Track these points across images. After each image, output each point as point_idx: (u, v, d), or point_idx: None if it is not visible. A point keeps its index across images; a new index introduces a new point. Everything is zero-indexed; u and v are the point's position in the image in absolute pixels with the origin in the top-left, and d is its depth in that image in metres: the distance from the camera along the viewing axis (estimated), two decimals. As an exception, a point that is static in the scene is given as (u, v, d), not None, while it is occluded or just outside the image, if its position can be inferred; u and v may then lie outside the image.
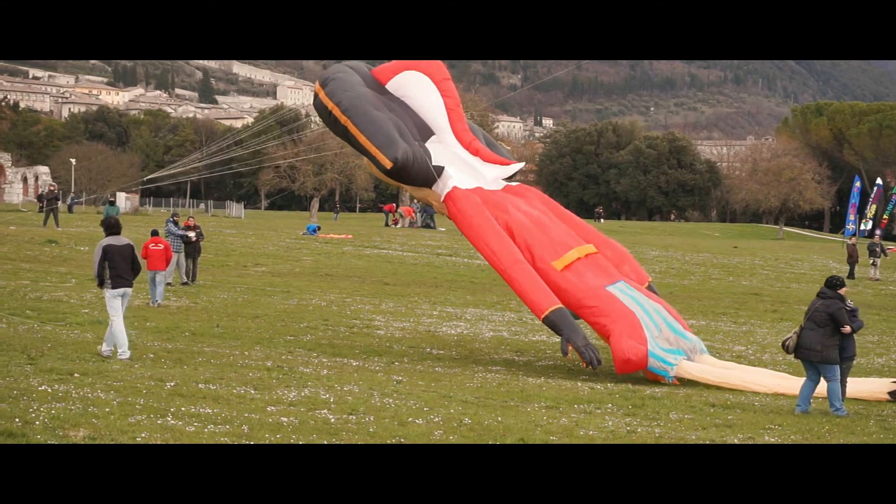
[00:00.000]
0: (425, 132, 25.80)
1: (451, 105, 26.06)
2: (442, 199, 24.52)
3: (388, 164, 23.71)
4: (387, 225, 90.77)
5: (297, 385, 18.38)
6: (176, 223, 35.56)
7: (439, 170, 24.62)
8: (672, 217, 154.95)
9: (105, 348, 20.69)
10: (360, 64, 26.81)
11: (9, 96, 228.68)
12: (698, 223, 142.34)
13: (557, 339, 27.73)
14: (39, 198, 75.68)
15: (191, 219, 37.09)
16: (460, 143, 25.77)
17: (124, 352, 20.51)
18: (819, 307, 18.94)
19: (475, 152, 25.69)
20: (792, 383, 21.79)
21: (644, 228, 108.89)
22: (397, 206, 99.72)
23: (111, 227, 21.21)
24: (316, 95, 25.51)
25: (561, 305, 22.38)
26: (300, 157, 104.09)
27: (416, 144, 24.75)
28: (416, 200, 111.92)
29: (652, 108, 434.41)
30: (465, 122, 26.28)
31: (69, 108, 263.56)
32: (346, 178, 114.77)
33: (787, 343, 19.32)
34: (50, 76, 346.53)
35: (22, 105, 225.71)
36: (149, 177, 42.53)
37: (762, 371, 23.23)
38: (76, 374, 17.87)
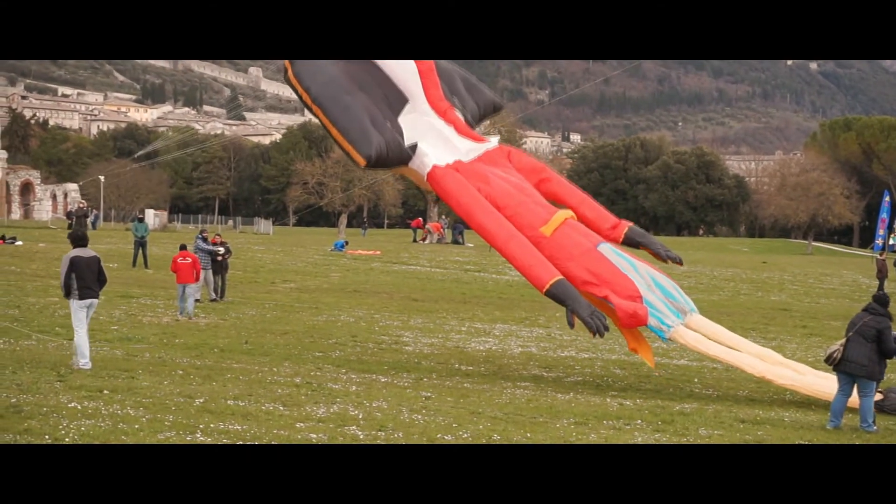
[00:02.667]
0: (398, 101, 25.16)
1: (425, 70, 25.25)
2: (424, 178, 24.24)
3: (362, 163, 23.37)
4: (415, 241, 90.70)
5: (326, 401, 18.37)
6: (205, 239, 35.64)
7: (413, 147, 24.26)
8: (700, 232, 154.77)
9: (82, 361, 20.82)
10: None
11: (38, 114, 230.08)
12: (727, 238, 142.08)
13: (586, 354, 27.80)
14: (68, 215, 75.94)
15: (217, 236, 37.15)
16: (435, 111, 25.11)
17: (86, 363, 20.75)
18: (868, 322, 18.78)
19: (451, 122, 25.03)
20: (778, 371, 21.80)
21: (672, 244, 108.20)
22: (425, 222, 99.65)
23: (77, 239, 21.62)
24: (286, 71, 24.62)
25: (561, 277, 22.11)
26: (327, 173, 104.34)
27: (389, 126, 24.26)
28: (443, 216, 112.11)
29: (680, 123, 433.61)
30: (439, 88, 25.43)
31: (98, 126, 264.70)
32: (374, 195, 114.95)
33: (833, 355, 19.15)
34: (79, 94, 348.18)
35: (51, 122, 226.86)
36: (139, 153, 42.76)
37: (752, 353, 23.03)
38: (105, 391, 17.88)
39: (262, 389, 19.37)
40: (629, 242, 24.64)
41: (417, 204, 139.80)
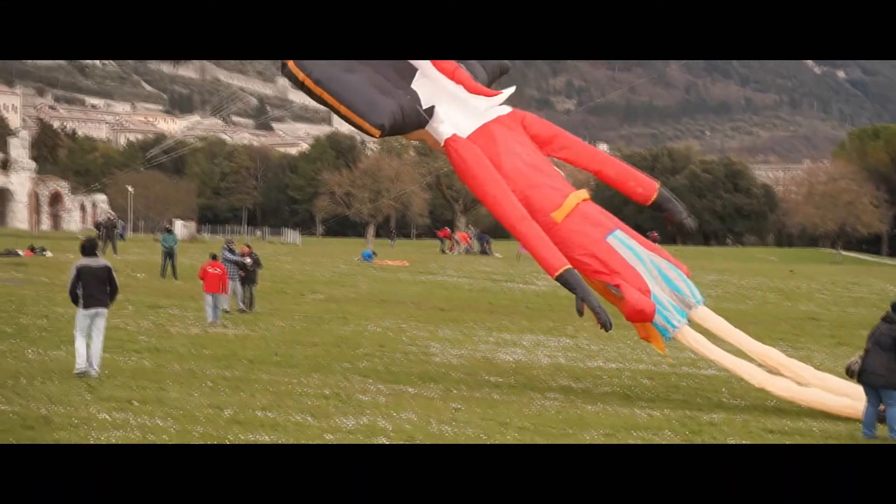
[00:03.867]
0: (408, 70, 24.57)
1: None
2: (441, 144, 23.93)
3: (376, 133, 22.77)
4: (442, 251, 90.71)
5: (354, 413, 18.37)
6: (231, 250, 35.75)
7: (430, 111, 23.87)
8: (728, 241, 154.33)
9: (77, 363, 20.92)
10: None
11: (66, 124, 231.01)
12: (755, 247, 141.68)
13: (614, 365, 27.73)
14: (97, 225, 76.12)
15: (246, 246, 37.28)
16: (443, 73, 24.57)
17: (80, 367, 20.88)
18: (885, 331, 18.68)
19: (460, 82, 24.51)
20: (779, 382, 21.68)
21: (700, 253, 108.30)
22: (452, 232, 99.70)
23: (85, 249, 21.83)
24: (284, 65, 23.92)
25: (568, 267, 21.99)
26: (355, 183, 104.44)
27: (401, 91, 23.77)
28: (470, 226, 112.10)
29: (707, 133, 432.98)
30: None
31: (126, 136, 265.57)
32: (402, 205, 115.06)
33: (852, 367, 19.11)
34: (107, 104, 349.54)
35: (79, 133, 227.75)
36: (152, 152, 42.86)
37: (755, 353, 22.86)
38: (135, 402, 17.93)
39: (290, 401, 19.38)
40: (656, 207, 24.47)
41: (445, 214, 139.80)
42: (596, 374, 26.60)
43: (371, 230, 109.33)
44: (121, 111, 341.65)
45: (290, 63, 23.25)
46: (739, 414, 21.38)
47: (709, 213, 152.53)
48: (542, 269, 22.75)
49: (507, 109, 24.85)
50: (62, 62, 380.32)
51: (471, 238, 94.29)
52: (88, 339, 21.12)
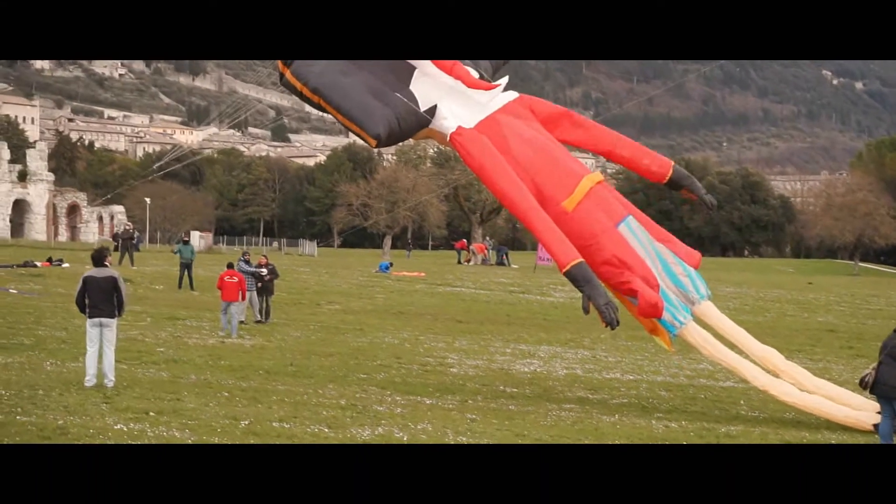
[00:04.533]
0: (406, 71, 23.82)
1: None
2: (448, 138, 23.54)
3: (373, 143, 22.43)
4: (459, 262, 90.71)
5: (371, 424, 18.37)
6: (247, 262, 35.80)
7: (432, 111, 23.26)
8: (746, 253, 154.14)
9: (107, 379, 21.02)
10: None
11: (84, 136, 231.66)
12: (772, 259, 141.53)
13: (632, 376, 27.68)
14: (115, 237, 76.25)
15: (263, 257, 37.37)
16: (441, 69, 23.80)
17: (90, 379, 20.99)
18: None
19: (458, 77, 23.78)
20: (781, 386, 21.57)
21: (717, 265, 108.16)
22: (469, 244, 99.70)
23: (94, 259, 22.02)
24: (282, 75, 23.45)
25: (581, 260, 21.72)
26: (372, 194, 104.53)
27: (398, 95, 23.05)
28: (487, 238, 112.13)
29: (725, 144, 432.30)
30: None
31: (143, 148, 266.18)
32: (419, 216, 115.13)
33: (866, 379, 19.05)
34: (125, 116, 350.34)
35: (97, 145, 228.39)
36: (157, 164, 42.82)
37: (755, 353, 22.70)
38: (151, 413, 17.95)
39: (307, 412, 19.39)
40: (673, 185, 24.09)
41: (462, 225, 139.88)
42: (613, 385, 26.55)
43: (388, 241, 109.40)
44: (139, 123, 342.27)
45: (287, 72, 23.01)
46: (757, 426, 21.32)
47: (726, 224, 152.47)
48: (559, 270, 22.48)
49: (514, 95, 24.40)
50: (80, 74, 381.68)
51: (488, 249, 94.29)
52: (101, 350, 21.19)
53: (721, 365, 22.93)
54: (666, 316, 21.86)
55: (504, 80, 24.64)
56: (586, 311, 21.65)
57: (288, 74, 23.02)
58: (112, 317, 21.41)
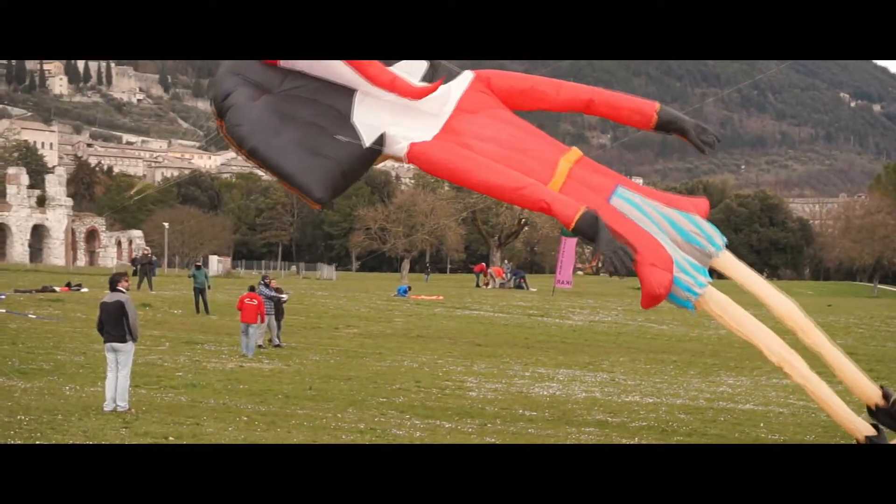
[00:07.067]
0: (345, 99, 21.71)
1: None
2: (405, 160, 22.02)
3: (317, 207, 21.46)
4: (478, 286, 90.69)
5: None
6: (267, 285, 35.97)
7: (380, 140, 21.11)
8: (764, 275, 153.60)
9: (118, 404, 21.09)
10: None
11: (103, 161, 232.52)
12: (791, 281, 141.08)
13: (651, 399, 27.57)
14: (133, 261, 76.43)
15: (272, 281, 37.64)
16: (382, 87, 21.50)
17: (108, 403, 21.11)
18: None
19: (402, 93, 21.49)
20: (797, 365, 20.45)
21: (736, 287, 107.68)
22: (488, 267, 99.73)
23: (110, 284, 22.42)
24: (218, 129, 21.68)
25: (586, 208, 19.61)
26: (390, 218, 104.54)
27: (340, 139, 20.98)
28: (506, 261, 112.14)
29: (743, 166, 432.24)
30: (376, 64, 21.60)
31: (162, 172, 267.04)
32: (437, 240, 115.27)
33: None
34: (143, 141, 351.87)
35: (116, 170, 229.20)
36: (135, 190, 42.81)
37: (779, 312, 21.67)
38: (171, 438, 17.95)
39: (326, 436, 19.37)
40: (662, 128, 22.23)
41: (480, 249, 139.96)
42: (632, 408, 26.46)
43: (406, 265, 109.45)
44: (157, 148, 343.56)
45: (221, 127, 21.58)
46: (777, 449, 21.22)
47: (745, 247, 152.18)
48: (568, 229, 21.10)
49: (467, 81, 22.16)
50: (98, 99, 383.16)
51: (506, 273, 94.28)
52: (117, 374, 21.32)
53: (739, 335, 21.98)
54: (680, 293, 20.45)
55: (460, 76, 22.07)
56: (596, 270, 20.09)
57: (224, 132, 21.86)
58: (123, 341, 21.43)
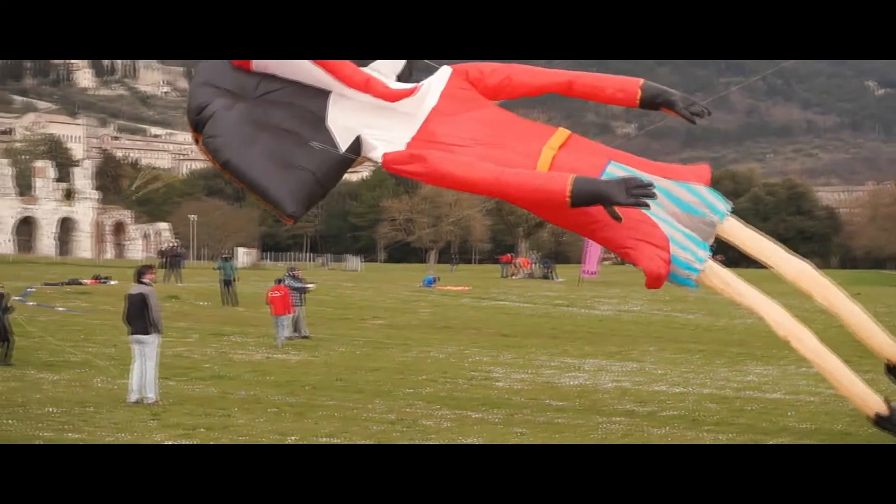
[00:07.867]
0: (320, 101, 21.42)
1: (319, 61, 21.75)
2: (381, 165, 21.31)
3: (290, 222, 21.02)
4: (504, 276, 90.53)
5: (420, 438, 18.34)
6: (294, 276, 36.10)
7: (356, 144, 20.87)
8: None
9: (147, 396, 21.16)
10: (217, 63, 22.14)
11: (129, 154, 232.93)
12: (819, 270, 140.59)
13: (679, 389, 27.48)
14: (161, 254, 76.64)
15: (299, 271, 37.89)
16: (356, 88, 21.44)
17: (132, 394, 21.37)
18: None
19: (377, 93, 21.32)
20: (806, 339, 19.56)
21: (763, 276, 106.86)
22: (514, 257, 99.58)
23: (135, 275, 22.73)
24: (196, 141, 21.93)
25: (575, 175, 18.92)
26: (415, 209, 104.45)
27: (314, 147, 20.65)
28: (532, 252, 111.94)
29: (769, 155, 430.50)
30: (349, 65, 21.51)
31: (188, 165, 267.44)
32: (463, 230, 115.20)
33: None
34: (169, 134, 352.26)
35: (142, 162, 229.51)
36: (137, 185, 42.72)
37: (790, 274, 20.86)
38: (201, 429, 18.01)
39: (356, 426, 19.39)
40: (648, 103, 21.19)
41: (506, 239, 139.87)
42: (661, 398, 26.37)
43: (432, 256, 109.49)
44: (182, 140, 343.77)
45: (198, 140, 21.20)
46: (806, 438, 21.16)
47: (773, 236, 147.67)
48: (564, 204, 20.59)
49: (446, 77, 22.03)
50: (124, 92, 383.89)
51: (532, 263, 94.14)
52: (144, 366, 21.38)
53: (746, 308, 21.21)
54: (680, 271, 19.63)
55: (438, 72, 21.99)
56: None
57: (200, 145, 21.35)
58: (145, 333, 21.52)
